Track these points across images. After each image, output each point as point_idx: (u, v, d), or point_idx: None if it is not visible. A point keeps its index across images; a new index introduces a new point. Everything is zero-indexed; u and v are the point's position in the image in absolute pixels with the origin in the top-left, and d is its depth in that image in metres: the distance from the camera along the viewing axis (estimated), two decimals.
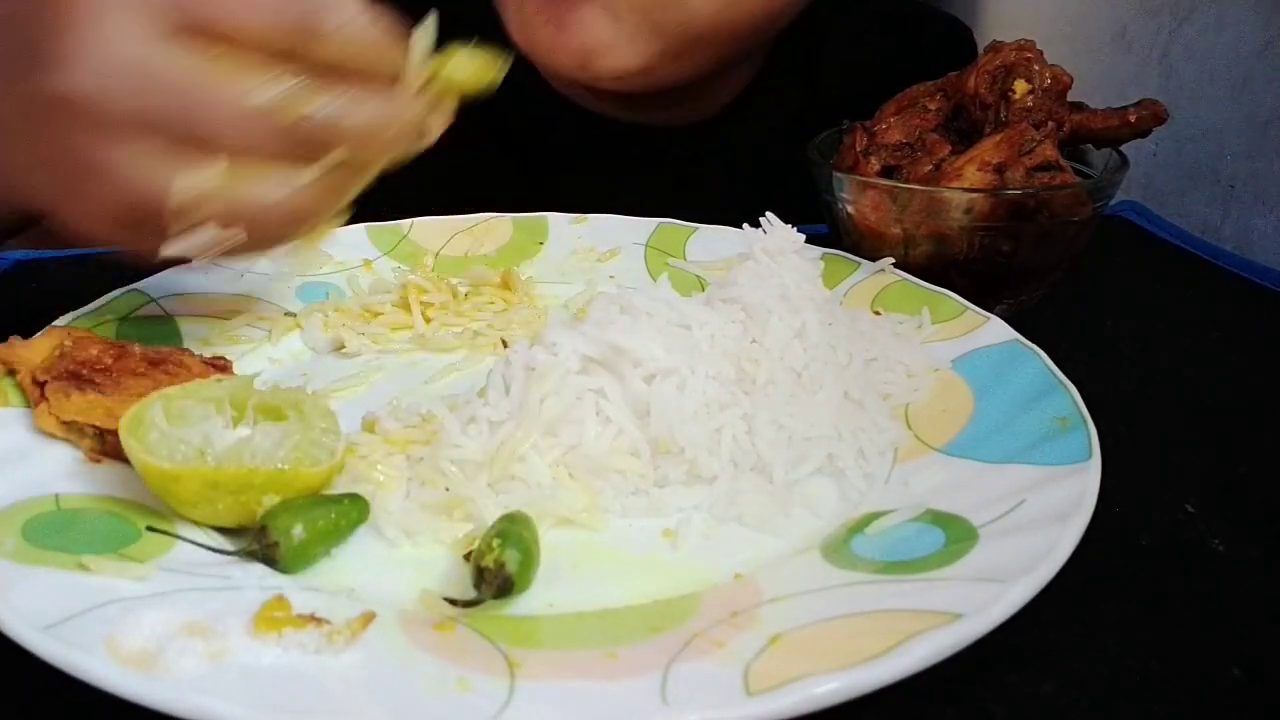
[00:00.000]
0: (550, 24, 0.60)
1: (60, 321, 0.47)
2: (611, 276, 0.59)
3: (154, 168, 0.36)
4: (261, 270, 0.56)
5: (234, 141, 0.36)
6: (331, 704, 0.27)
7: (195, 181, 0.36)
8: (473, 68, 0.41)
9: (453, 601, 0.32)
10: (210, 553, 0.34)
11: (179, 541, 0.34)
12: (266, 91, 0.35)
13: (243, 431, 0.37)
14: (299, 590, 0.33)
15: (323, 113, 0.36)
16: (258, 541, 0.34)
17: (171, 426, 0.35)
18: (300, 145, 0.36)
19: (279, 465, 0.35)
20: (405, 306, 0.54)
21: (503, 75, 0.41)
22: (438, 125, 0.40)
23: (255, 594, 0.32)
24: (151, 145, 0.36)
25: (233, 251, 0.38)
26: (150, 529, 0.34)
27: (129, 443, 0.34)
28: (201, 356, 0.44)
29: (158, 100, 0.35)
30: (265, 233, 0.38)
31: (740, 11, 0.62)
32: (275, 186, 0.37)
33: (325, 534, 0.35)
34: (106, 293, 0.50)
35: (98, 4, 0.35)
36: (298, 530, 0.34)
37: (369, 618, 0.30)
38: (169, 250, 0.37)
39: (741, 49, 0.68)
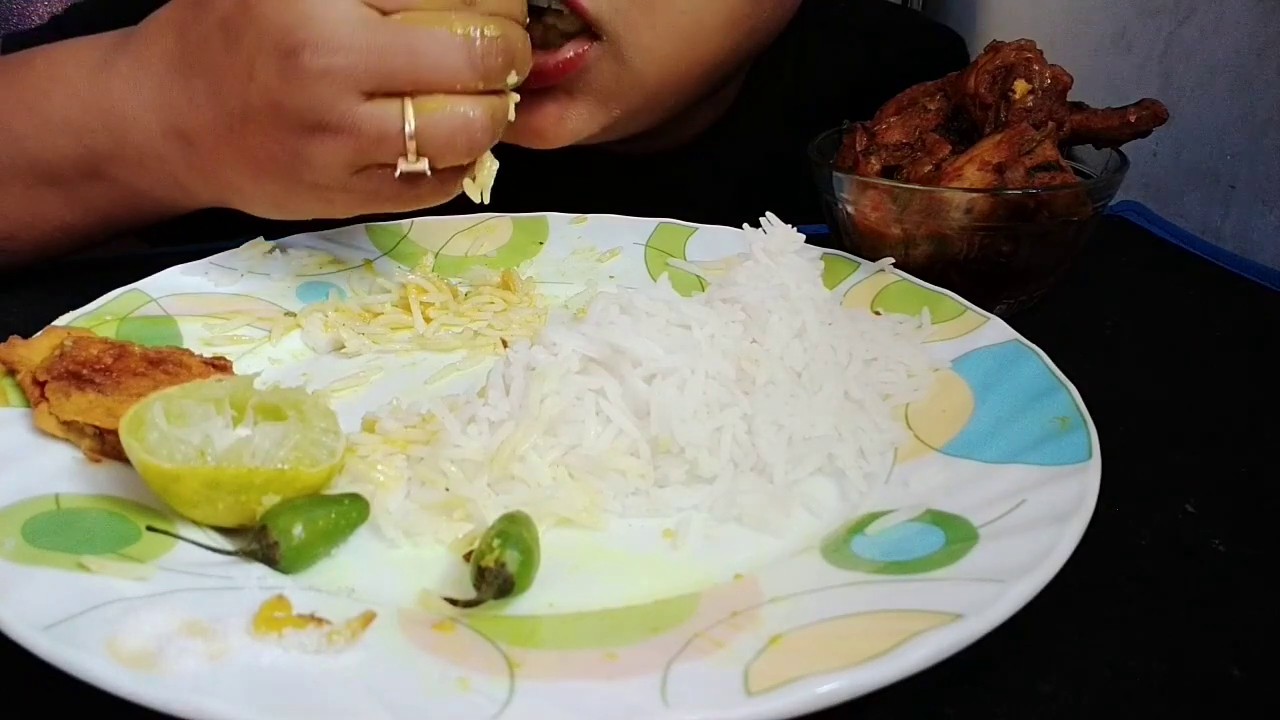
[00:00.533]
0: (524, 136, 0.59)
1: (60, 321, 0.47)
2: (611, 276, 0.59)
3: (381, 111, 0.45)
4: (261, 270, 0.56)
5: (439, 76, 0.45)
6: (331, 704, 0.27)
7: (408, 117, 0.45)
8: None
9: (453, 601, 0.32)
10: (210, 553, 0.34)
11: (179, 541, 0.34)
12: (463, 25, 0.45)
13: (243, 431, 0.37)
14: (299, 590, 0.33)
15: (500, 34, 0.46)
16: (258, 541, 0.34)
17: (171, 426, 0.35)
18: (491, 71, 0.46)
19: (279, 465, 0.35)
20: (405, 306, 0.54)
21: None
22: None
23: (255, 594, 0.32)
24: (372, 97, 0.45)
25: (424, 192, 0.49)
26: (150, 529, 0.34)
27: (129, 443, 0.34)
28: (201, 356, 0.44)
29: (385, 42, 0.44)
30: (477, 145, 0.47)
31: (690, 64, 0.61)
32: (468, 107, 0.46)
33: (325, 534, 0.35)
34: (106, 293, 0.50)
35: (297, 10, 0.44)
36: (298, 530, 0.34)
37: (369, 618, 0.30)
38: (404, 168, 0.47)
39: (705, 90, 0.66)
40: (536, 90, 0.57)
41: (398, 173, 0.46)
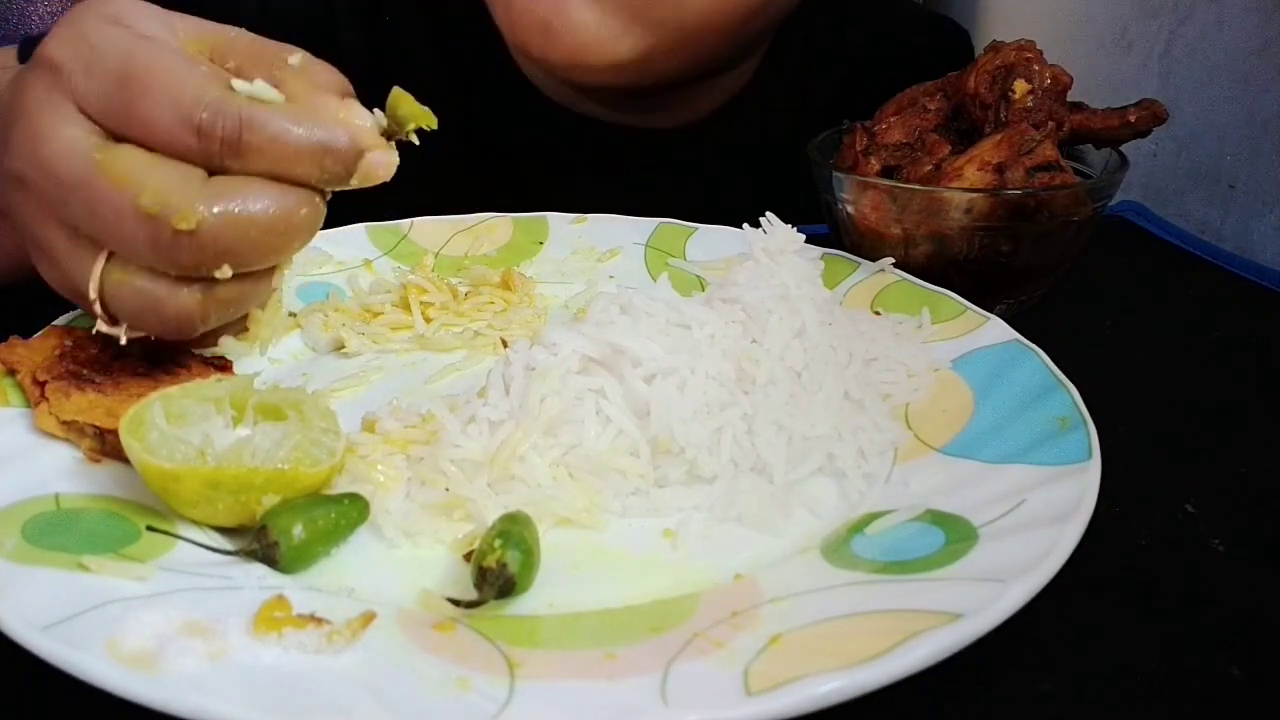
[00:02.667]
0: (538, 26, 0.59)
1: (60, 321, 0.47)
2: (611, 276, 0.59)
3: (77, 256, 0.37)
4: None
5: (116, 244, 0.36)
6: (331, 704, 0.27)
7: (94, 276, 0.36)
8: (411, 109, 0.39)
9: (455, 602, 0.32)
10: (210, 553, 0.34)
11: (179, 541, 0.34)
12: (155, 197, 0.34)
13: (243, 431, 0.37)
14: (299, 590, 0.33)
15: (208, 225, 0.35)
16: (258, 541, 0.34)
17: (171, 426, 0.35)
18: (183, 265, 0.35)
19: (279, 465, 0.35)
20: (405, 306, 0.54)
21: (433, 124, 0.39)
22: (388, 166, 0.38)
23: (255, 594, 0.32)
24: (73, 236, 0.36)
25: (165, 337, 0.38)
26: (150, 529, 0.34)
27: (129, 443, 0.34)
28: (202, 356, 0.44)
29: (60, 195, 0.36)
30: (170, 330, 0.37)
31: (732, 3, 0.60)
32: (159, 290, 0.36)
33: (325, 534, 0.35)
34: None
35: (42, 105, 0.36)
36: (298, 530, 0.34)
37: (369, 618, 0.30)
38: (100, 328, 0.38)
39: (736, 44, 0.66)
40: None
41: (94, 330, 0.38)
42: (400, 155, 0.39)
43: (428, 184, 0.55)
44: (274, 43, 0.39)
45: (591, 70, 0.60)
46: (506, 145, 0.51)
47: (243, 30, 0.40)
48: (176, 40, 0.38)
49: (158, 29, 0.38)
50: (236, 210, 0.35)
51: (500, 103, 0.75)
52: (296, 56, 0.38)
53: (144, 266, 0.36)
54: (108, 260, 0.36)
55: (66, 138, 0.35)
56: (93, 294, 0.36)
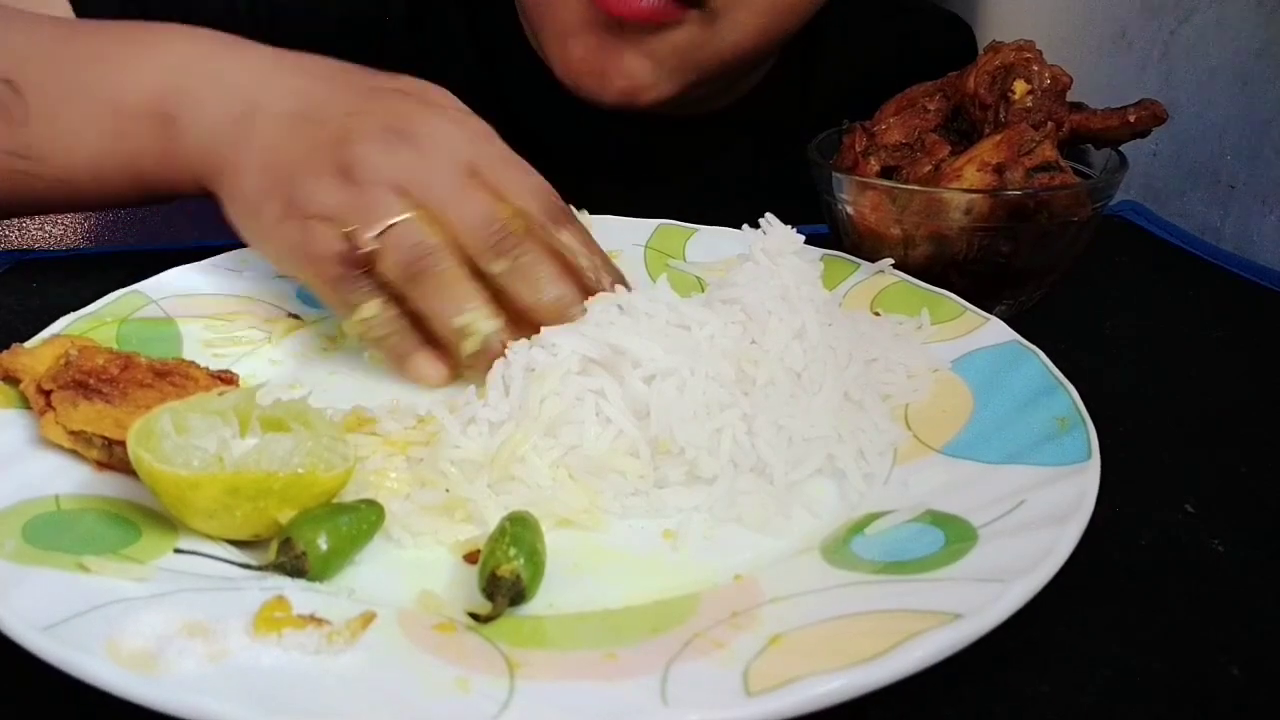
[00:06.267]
0: (594, 74, 0.65)
1: (60, 323, 0.47)
2: None
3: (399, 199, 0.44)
4: (262, 272, 0.56)
5: (463, 227, 0.45)
6: (331, 705, 0.27)
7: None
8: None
9: (475, 616, 0.32)
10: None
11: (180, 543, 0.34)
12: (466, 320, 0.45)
13: (251, 442, 0.37)
14: (299, 591, 0.32)
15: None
16: (284, 553, 0.33)
17: (181, 438, 0.35)
18: (492, 253, 0.45)
19: (296, 469, 0.35)
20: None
21: None
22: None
23: (255, 594, 0.31)
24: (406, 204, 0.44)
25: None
26: (179, 551, 0.34)
27: (139, 454, 0.34)
28: (208, 369, 0.44)
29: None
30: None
31: (770, 36, 0.67)
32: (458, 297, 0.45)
33: (350, 540, 0.35)
34: (107, 294, 0.50)
35: (441, 113, 0.48)
36: (322, 540, 0.34)
37: (369, 618, 0.30)
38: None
39: (762, 60, 0.73)
40: (615, 33, 0.61)
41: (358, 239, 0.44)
42: None
43: None
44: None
45: (640, 106, 0.66)
46: (508, 141, 0.53)
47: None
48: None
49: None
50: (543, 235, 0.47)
51: (513, 86, 0.76)
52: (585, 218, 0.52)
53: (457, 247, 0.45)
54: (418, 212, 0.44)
55: (462, 159, 0.46)
56: (385, 223, 0.44)
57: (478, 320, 0.45)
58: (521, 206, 0.46)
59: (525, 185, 0.47)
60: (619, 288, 0.47)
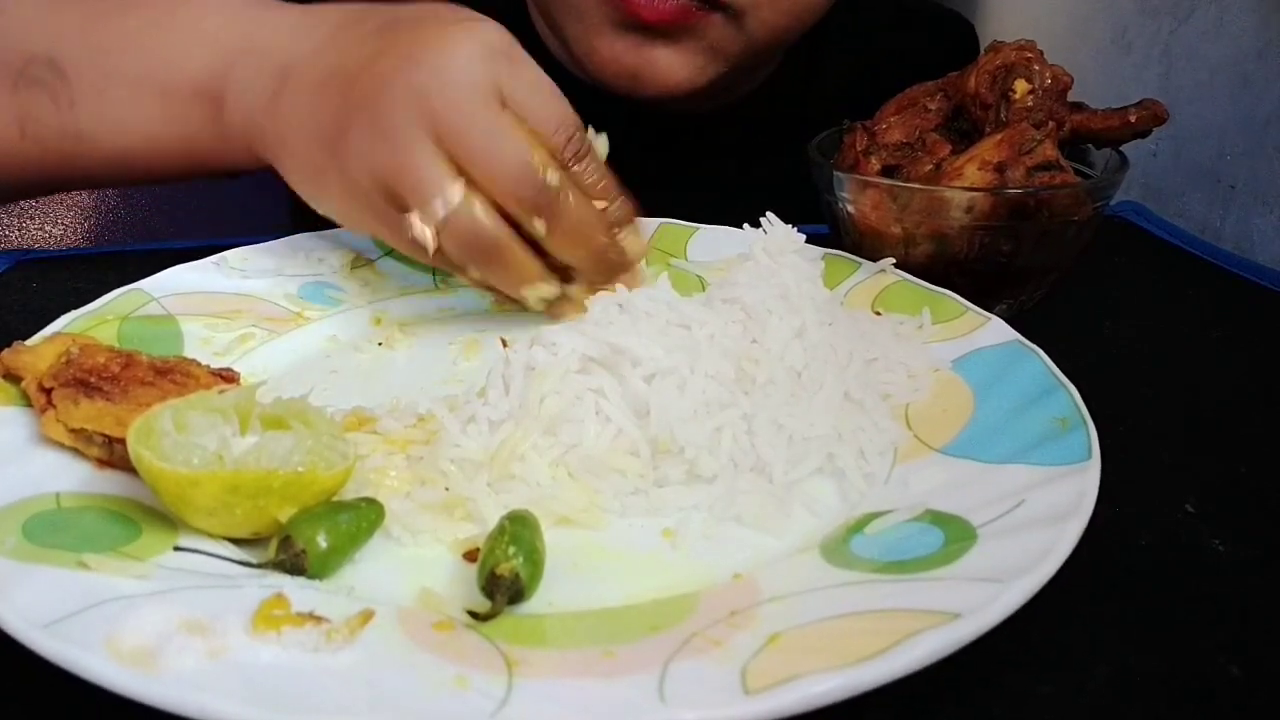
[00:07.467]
0: (627, 74, 0.65)
1: (61, 321, 0.47)
2: None
3: (440, 173, 0.45)
4: (263, 270, 0.56)
5: (495, 173, 0.45)
6: (330, 702, 0.27)
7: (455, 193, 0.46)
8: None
9: (474, 614, 0.32)
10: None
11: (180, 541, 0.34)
12: (543, 158, 0.46)
13: (251, 440, 0.37)
14: (298, 588, 0.32)
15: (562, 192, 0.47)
16: (284, 551, 0.34)
17: (181, 436, 0.35)
18: (536, 203, 0.46)
19: (296, 468, 0.35)
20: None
21: None
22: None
23: (254, 592, 0.31)
24: (439, 157, 0.45)
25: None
26: (178, 549, 0.34)
27: (139, 452, 0.34)
28: (209, 367, 0.44)
29: (463, 125, 0.45)
30: (481, 262, 0.48)
31: (792, 32, 0.68)
32: (500, 231, 0.47)
33: (349, 538, 0.35)
34: (107, 292, 0.50)
35: (454, 38, 0.47)
36: (322, 537, 0.34)
37: (367, 616, 0.30)
38: (415, 234, 0.47)
39: (784, 49, 0.74)
40: (644, 34, 0.62)
41: (410, 233, 0.47)
42: None
43: None
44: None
45: (675, 100, 0.67)
46: None
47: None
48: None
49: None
50: (575, 192, 0.47)
51: None
52: (601, 141, 0.50)
53: (494, 204, 0.46)
54: (467, 189, 0.46)
55: (484, 85, 0.46)
56: (442, 210, 0.45)
57: (537, 290, 0.49)
58: (553, 143, 0.47)
59: (549, 113, 0.47)
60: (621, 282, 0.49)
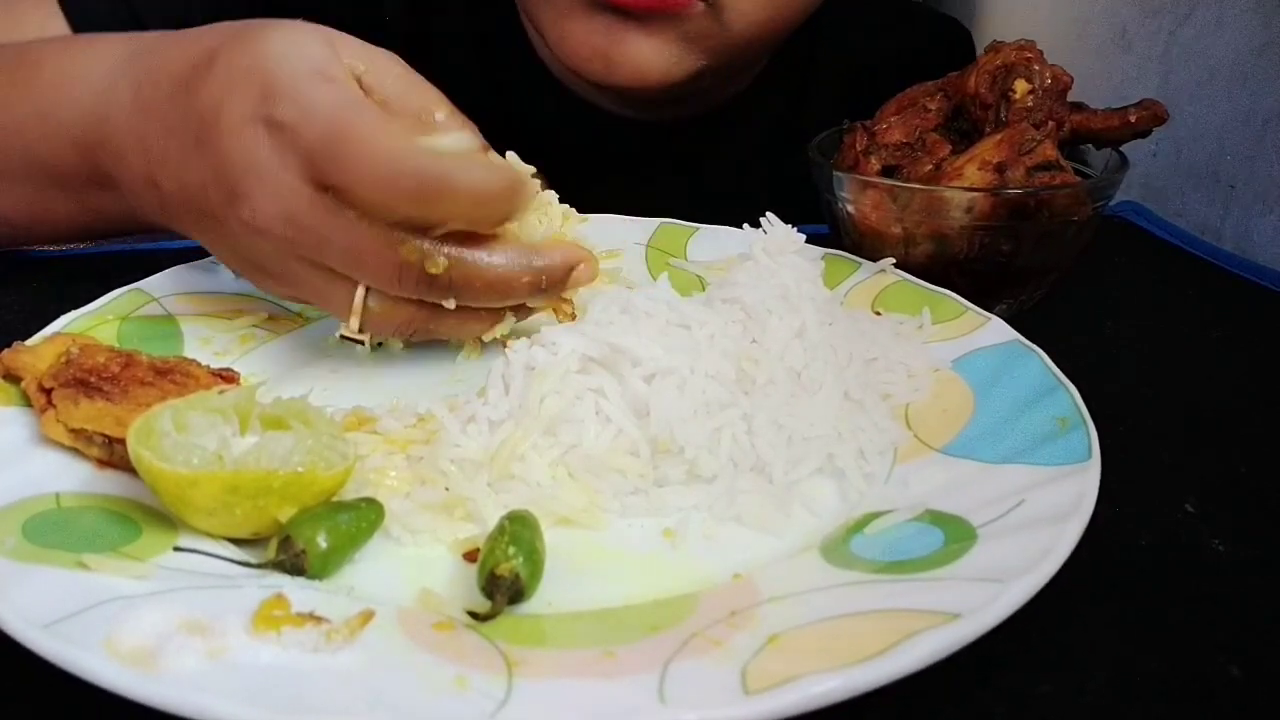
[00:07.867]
0: (599, 58, 0.63)
1: (61, 321, 0.47)
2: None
3: (335, 289, 0.44)
4: None
5: (377, 283, 0.43)
6: (330, 702, 0.27)
7: (357, 305, 0.44)
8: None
9: (474, 614, 0.32)
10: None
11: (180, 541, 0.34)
12: (414, 249, 0.41)
13: (251, 440, 0.37)
14: (298, 589, 0.33)
15: (451, 273, 0.42)
16: (284, 551, 0.34)
17: (181, 436, 0.35)
18: (430, 294, 0.43)
19: (296, 468, 0.35)
20: None
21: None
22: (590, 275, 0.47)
23: (254, 592, 0.31)
24: (328, 273, 0.43)
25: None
26: (178, 549, 0.34)
27: (139, 452, 0.34)
28: (209, 367, 0.44)
29: (317, 244, 0.42)
30: (414, 336, 0.47)
31: (774, 28, 0.66)
32: (411, 311, 0.45)
33: (349, 539, 0.35)
34: (107, 292, 0.50)
35: (272, 163, 0.41)
36: (322, 537, 0.34)
37: (367, 616, 0.30)
38: (345, 334, 0.46)
39: (764, 53, 0.72)
40: (624, 14, 0.60)
41: (338, 335, 0.46)
42: None
43: None
44: (421, 82, 0.46)
45: (648, 91, 0.64)
46: (509, 145, 0.52)
47: (394, 58, 0.46)
48: (343, 71, 0.43)
49: (328, 62, 0.42)
50: (469, 260, 0.43)
51: (513, 88, 0.76)
52: (442, 111, 0.45)
53: (397, 297, 0.44)
54: (366, 292, 0.43)
55: (314, 198, 0.41)
56: (355, 321, 0.44)
57: (491, 334, 0.47)
58: (394, 219, 0.41)
59: (373, 177, 0.39)
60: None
